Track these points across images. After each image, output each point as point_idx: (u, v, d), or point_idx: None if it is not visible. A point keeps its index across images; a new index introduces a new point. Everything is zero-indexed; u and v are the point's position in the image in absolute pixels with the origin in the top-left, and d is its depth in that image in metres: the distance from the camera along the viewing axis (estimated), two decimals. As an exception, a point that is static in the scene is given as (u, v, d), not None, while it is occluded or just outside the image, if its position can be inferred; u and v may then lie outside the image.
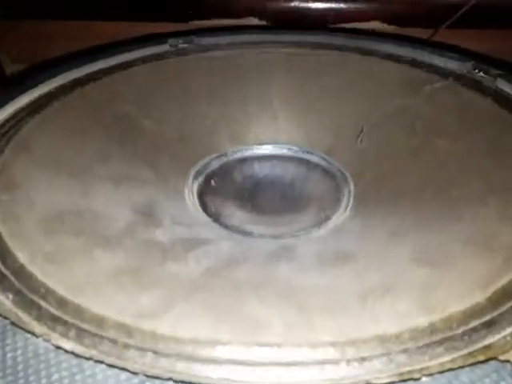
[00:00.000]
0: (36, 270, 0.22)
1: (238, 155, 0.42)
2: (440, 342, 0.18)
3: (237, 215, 0.35)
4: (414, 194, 0.32)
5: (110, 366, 0.16)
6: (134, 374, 0.16)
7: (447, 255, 0.24)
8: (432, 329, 0.19)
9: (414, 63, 0.44)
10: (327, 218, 0.34)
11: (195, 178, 0.39)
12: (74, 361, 0.17)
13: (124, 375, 0.16)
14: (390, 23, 0.65)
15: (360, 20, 0.66)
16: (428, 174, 0.33)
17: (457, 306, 0.19)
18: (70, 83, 0.41)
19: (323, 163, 0.40)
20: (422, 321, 0.19)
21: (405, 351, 0.18)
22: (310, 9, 0.66)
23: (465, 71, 0.43)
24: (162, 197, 0.34)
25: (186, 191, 0.37)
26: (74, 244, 0.24)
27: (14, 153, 0.29)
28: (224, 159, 0.41)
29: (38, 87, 0.40)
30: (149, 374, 0.16)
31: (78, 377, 0.16)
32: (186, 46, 0.50)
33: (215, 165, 0.41)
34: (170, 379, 0.16)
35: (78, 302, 0.20)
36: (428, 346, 0.18)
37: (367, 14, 0.65)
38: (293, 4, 0.67)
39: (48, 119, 0.35)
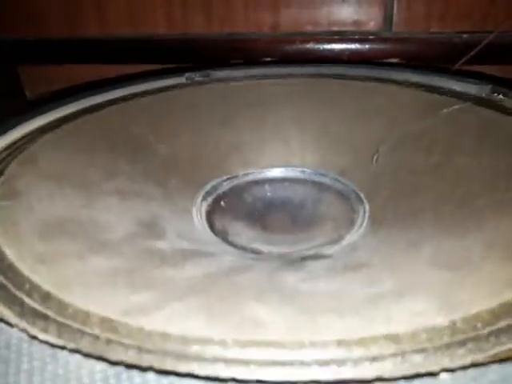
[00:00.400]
0: (24, 267, 0.20)
1: (250, 177, 0.41)
2: (462, 343, 0.16)
3: (245, 234, 0.33)
4: (434, 209, 0.30)
5: (86, 355, 0.14)
6: (111, 364, 0.14)
7: (470, 259, 0.21)
8: (453, 329, 0.16)
9: (432, 89, 0.44)
10: (340, 237, 0.32)
11: (204, 198, 0.38)
12: (48, 351, 0.15)
13: (99, 366, 0.14)
14: (407, 62, 0.66)
15: (376, 60, 0.66)
16: (448, 189, 0.31)
17: (482, 306, 0.17)
18: (85, 108, 0.42)
19: (336, 185, 0.39)
20: (442, 320, 0.16)
21: (421, 351, 0.15)
22: (325, 49, 0.68)
23: (483, 94, 0.42)
24: (168, 213, 0.33)
25: (194, 210, 0.36)
26: (69, 247, 0.23)
27: (19, 165, 0.29)
28: (235, 181, 0.40)
29: (54, 111, 0.41)
30: (127, 363, 0.14)
31: (49, 367, 0.14)
32: (202, 79, 0.52)
33: (226, 187, 0.40)
34: (150, 369, 0.14)
35: (63, 298, 0.19)
36: (448, 346, 0.16)
37: (383, 54, 0.66)
38: (308, 46, 0.69)
39: (59, 137, 0.35)
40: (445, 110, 0.40)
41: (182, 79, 0.51)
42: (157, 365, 0.15)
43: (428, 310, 0.17)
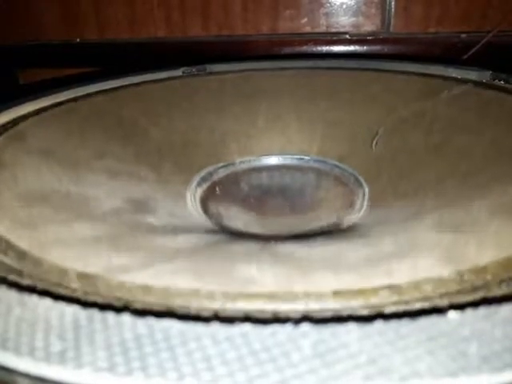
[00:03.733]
0: (2, 229, 0.19)
1: (246, 165, 0.40)
2: (471, 291, 0.14)
3: (240, 219, 0.32)
4: (436, 185, 0.28)
5: (57, 298, 0.13)
6: (83, 306, 0.13)
7: (475, 222, 0.20)
8: (461, 280, 0.15)
9: (430, 76, 0.43)
10: (339, 220, 0.31)
11: (199, 184, 0.37)
12: (16, 296, 0.13)
13: (71, 308, 0.13)
14: (407, 63, 0.65)
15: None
16: (450, 167, 0.30)
17: (491, 258, 0.16)
18: (79, 96, 0.41)
19: (335, 171, 0.38)
20: (448, 271, 0.15)
21: (425, 300, 0.14)
22: (323, 51, 0.67)
23: (484, 80, 0.41)
24: (161, 196, 0.32)
25: (188, 195, 0.34)
26: (52, 215, 0.22)
27: (7, 139, 0.28)
28: (231, 168, 0.39)
29: (47, 98, 0.40)
30: (100, 303, 0.13)
31: (16, 310, 0.13)
32: (198, 72, 0.51)
33: (221, 173, 0.39)
34: (125, 309, 0.13)
35: (40, 256, 0.17)
36: (455, 295, 0.14)
37: (381, 55, 0.66)
38: (306, 47, 0.69)
39: (50, 118, 0.34)
40: (445, 93, 0.39)
41: (178, 72, 0.51)
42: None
43: (432, 264, 0.16)
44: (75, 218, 0.22)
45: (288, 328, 0.11)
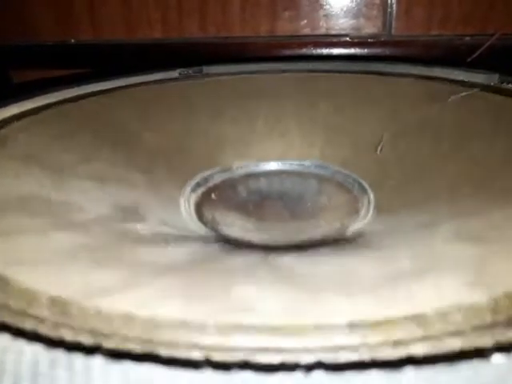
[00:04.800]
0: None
1: (244, 170, 0.38)
2: (508, 323, 0.12)
3: (237, 225, 0.30)
4: (449, 193, 0.26)
5: (16, 333, 0.11)
6: (48, 345, 0.10)
7: (500, 233, 0.18)
8: (495, 306, 0.13)
9: (435, 79, 0.41)
10: (344, 227, 0.29)
11: (194, 189, 0.34)
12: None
13: (31, 349, 0.10)
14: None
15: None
16: (463, 174, 0.28)
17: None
18: (68, 98, 0.39)
19: (337, 176, 0.36)
20: (478, 295, 0.13)
21: (457, 335, 0.12)
22: (322, 55, 0.66)
23: (492, 84, 0.39)
24: (152, 202, 0.29)
25: (182, 201, 0.32)
26: (28, 223, 0.20)
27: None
28: (228, 174, 0.37)
29: (33, 99, 0.38)
30: (68, 341, 0.10)
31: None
32: (195, 74, 0.49)
33: (218, 179, 0.36)
34: (97, 349, 0.10)
35: (6, 274, 0.15)
36: (491, 327, 0.12)
37: (382, 58, 0.64)
38: (306, 50, 0.67)
39: (35, 122, 0.32)
40: (452, 97, 0.37)
41: (174, 74, 0.49)
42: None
43: (459, 286, 0.14)
44: (53, 227, 0.20)
45: (298, 377, 0.09)
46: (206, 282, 0.16)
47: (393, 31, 0.64)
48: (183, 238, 0.23)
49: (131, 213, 0.25)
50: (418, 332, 0.12)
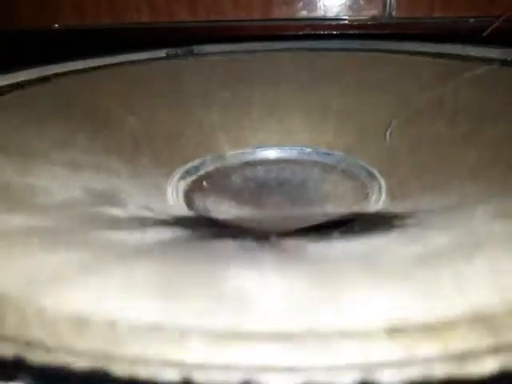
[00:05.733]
0: None
1: (238, 158, 0.34)
2: None
3: (231, 213, 0.26)
4: (473, 176, 0.23)
5: None
6: None
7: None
8: None
9: (447, 56, 0.38)
10: (353, 213, 0.25)
11: (182, 177, 0.31)
12: None
13: None
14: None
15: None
16: (488, 156, 0.25)
17: None
18: (43, 76, 0.35)
19: (342, 164, 0.32)
20: None
21: None
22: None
23: (508, 58, 0.36)
24: (134, 189, 0.26)
25: (169, 189, 0.29)
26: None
27: None
28: (220, 162, 0.33)
29: (3, 77, 0.34)
30: None
31: None
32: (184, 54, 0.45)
33: (210, 166, 0.33)
34: (24, 367, 0.07)
35: None
36: None
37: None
38: (302, 33, 0.64)
39: (4, 104, 0.28)
40: (467, 74, 0.34)
41: (161, 54, 0.45)
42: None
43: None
44: (7, 209, 0.16)
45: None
46: (190, 271, 0.12)
47: (393, 13, 0.61)
48: (166, 222, 0.20)
49: (107, 198, 0.21)
50: (488, 339, 0.08)
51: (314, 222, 0.22)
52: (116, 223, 0.17)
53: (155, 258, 0.13)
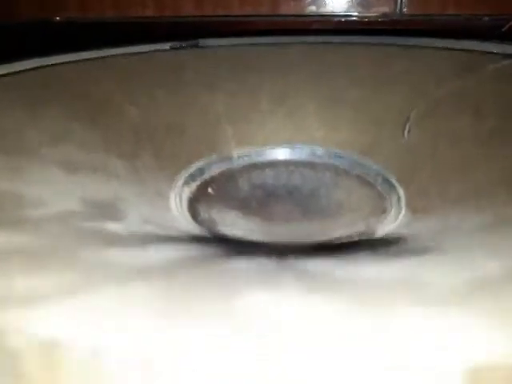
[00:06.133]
0: None
1: (246, 160, 0.32)
2: None
3: (239, 226, 0.24)
4: (506, 182, 0.21)
5: None
6: None
7: None
8: None
9: (467, 51, 0.36)
10: (370, 229, 0.23)
11: (186, 182, 0.29)
12: None
13: None
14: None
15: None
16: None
17: None
18: (40, 66, 0.33)
19: (357, 168, 0.30)
20: None
21: None
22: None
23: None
24: (134, 196, 0.24)
25: (172, 196, 0.27)
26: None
27: None
28: (227, 164, 0.31)
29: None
30: None
31: None
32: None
33: (215, 169, 0.31)
34: None
35: None
36: None
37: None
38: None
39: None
40: (490, 66, 0.31)
41: (165, 46, 0.43)
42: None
43: None
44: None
45: None
46: (196, 293, 0.10)
47: (404, 10, 0.59)
48: (170, 239, 0.18)
49: (105, 208, 0.19)
50: None
51: (330, 238, 0.20)
52: (114, 240, 0.15)
53: (157, 280, 0.11)
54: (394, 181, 0.27)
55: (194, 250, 0.16)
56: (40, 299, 0.10)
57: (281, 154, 0.32)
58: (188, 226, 0.23)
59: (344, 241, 0.20)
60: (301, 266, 0.13)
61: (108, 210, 0.20)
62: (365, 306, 0.10)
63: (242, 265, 0.14)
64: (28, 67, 0.32)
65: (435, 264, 0.13)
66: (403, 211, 0.24)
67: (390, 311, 0.09)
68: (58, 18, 0.64)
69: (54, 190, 0.20)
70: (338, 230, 0.23)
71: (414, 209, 0.24)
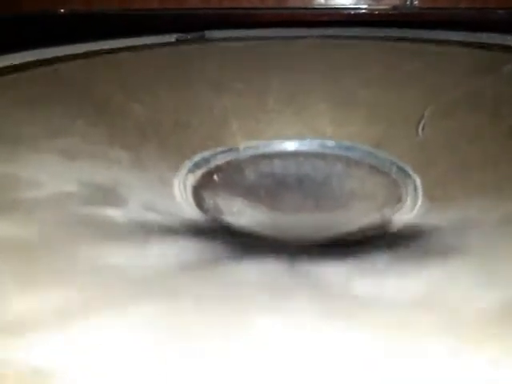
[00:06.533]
0: None
1: (253, 151, 0.31)
2: None
3: (247, 215, 0.23)
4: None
5: None
6: None
7: None
8: None
9: (484, 46, 0.35)
10: (386, 220, 0.22)
11: (191, 170, 0.27)
12: None
13: None
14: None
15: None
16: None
17: None
18: (42, 60, 0.32)
19: (370, 159, 0.29)
20: None
21: None
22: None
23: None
24: (137, 181, 0.22)
25: (176, 183, 0.25)
26: None
27: None
28: (233, 154, 0.30)
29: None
30: None
31: None
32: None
33: (221, 159, 0.29)
34: None
35: None
36: None
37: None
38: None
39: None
40: (508, 66, 0.30)
41: (170, 39, 0.42)
42: None
43: None
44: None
45: None
46: (197, 317, 0.09)
47: (415, 2, 0.57)
48: (172, 229, 0.16)
49: (104, 193, 0.18)
50: None
51: (343, 233, 0.19)
52: (114, 230, 0.14)
53: (158, 295, 0.10)
54: (409, 170, 0.26)
55: (197, 250, 0.15)
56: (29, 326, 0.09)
57: (290, 145, 0.31)
58: (192, 214, 0.22)
59: (358, 237, 0.19)
60: (314, 277, 0.12)
61: (108, 194, 0.18)
62: (384, 333, 0.08)
63: (251, 271, 0.13)
64: (30, 59, 0.31)
65: (460, 273, 0.11)
66: (420, 200, 0.22)
67: (417, 347, 0.08)
68: (62, 10, 0.63)
69: (51, 173, 0.19)
70: (352, 222, 0.22)
71: (431, 197, 0.22)
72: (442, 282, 0.11)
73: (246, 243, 0.19)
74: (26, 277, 0.10)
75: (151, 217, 0.17)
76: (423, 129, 0.29)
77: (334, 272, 0.12)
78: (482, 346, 0.08)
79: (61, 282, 0.10)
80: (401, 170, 0.26)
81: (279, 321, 0.09)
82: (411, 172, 0.25)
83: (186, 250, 0.15)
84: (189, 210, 0.22)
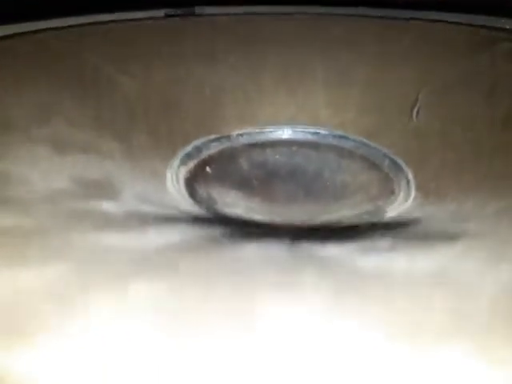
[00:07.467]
0: None
1: (246, 138, 0.30)
2: None
3: (240, 205, 0.23)
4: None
5: None
6: None
7: None
8: None
9: (480, 26, 0.34)
10: (379, 209, 0.22)
11: (183, 162, 0.27)
12: None
13: None
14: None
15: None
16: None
17: None
18: (21, 32, 0.30)
19: (362, 149, 0.29)
20: None
21: None
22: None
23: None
24: (129, 176, 0.22)
25: (169, 175, 0.25)
26: None
27: None
28: (226, 143, 0.30)
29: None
30: None
31: None
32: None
33: (214, 148, 0.29)
34: None
35: None
36: None
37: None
38: None
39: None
40: (506, 44, 0.30)
41: (159, 13, 0.40)
42: None
43: None
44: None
45: None
46: (204, 296, 0.09)
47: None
48: (168, 219, 0.16)
49: (98, 188, 0.18)
50: None
51: (338, 218, 0.19)
52: (109, 221, 0.14)
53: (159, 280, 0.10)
54: (402, 163, 0.26)
55: (196, 233, 0.15)
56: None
57: (282, 133, 0.31)
58: (186, 205, 0.22)
59: (354, 222, 0.19)
60: (319, 255, 0.12)
61: (100, 188, 0.18)
62: (397, 308, 0.08)
63: (253, 253, 0.12)
64: (12, 32, 0.29)
65: (466, 254, 0.11)
66: (412, 194, 0.23)
67: (431, 323, 0.08)
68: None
69: (43, 168, 0.18)
70: (344, 211, 0.22)
71: (425, 191, 0.23)
72: (451, 260, 0.11)
73: (245, 228, 0.19)
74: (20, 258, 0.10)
75: (146, 208, 0.17)
76: (417, 114, 0.29)
77: (339, 250, 0.12)
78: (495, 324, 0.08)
79: (57, 260, 0.10)
80: (393, 162, 0.27)
81: (287, 296, 0.09)
82: (403, 165, 0.26)
83: (185, 233, 0.15)
84: (183, 202, 0.22)
